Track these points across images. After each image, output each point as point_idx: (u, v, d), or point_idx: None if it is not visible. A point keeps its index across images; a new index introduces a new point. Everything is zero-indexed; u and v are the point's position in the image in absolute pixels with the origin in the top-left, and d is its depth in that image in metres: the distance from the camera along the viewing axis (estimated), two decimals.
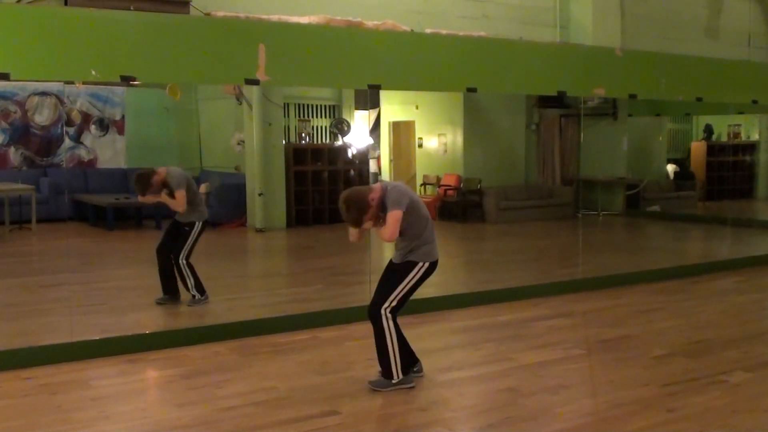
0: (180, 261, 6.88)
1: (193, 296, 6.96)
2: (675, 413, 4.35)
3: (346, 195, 4.62)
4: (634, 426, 4.17)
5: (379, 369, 4.86)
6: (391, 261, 4.86)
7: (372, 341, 4.86)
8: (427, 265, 4.76)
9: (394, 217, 4.57)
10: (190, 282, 6.93)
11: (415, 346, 5.64)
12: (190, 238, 6.89)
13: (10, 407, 4.49)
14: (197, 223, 6.91)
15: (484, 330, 6.35)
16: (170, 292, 7.03)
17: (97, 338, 5.69)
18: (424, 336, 6.17)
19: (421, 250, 4.74)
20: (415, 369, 4.92)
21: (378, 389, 4.70)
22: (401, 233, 4.66)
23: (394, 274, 4.75)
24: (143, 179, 6.70)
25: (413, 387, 4.75)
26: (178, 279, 6.98)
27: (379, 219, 4.62)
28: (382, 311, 4.65)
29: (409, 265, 4.73)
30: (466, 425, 4.32)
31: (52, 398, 4.64)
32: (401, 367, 4.72)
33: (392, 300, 4.67)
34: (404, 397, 4.61)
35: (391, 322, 4.67)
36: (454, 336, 6.26)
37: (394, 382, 4.72)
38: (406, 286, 4.72)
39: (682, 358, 5.44)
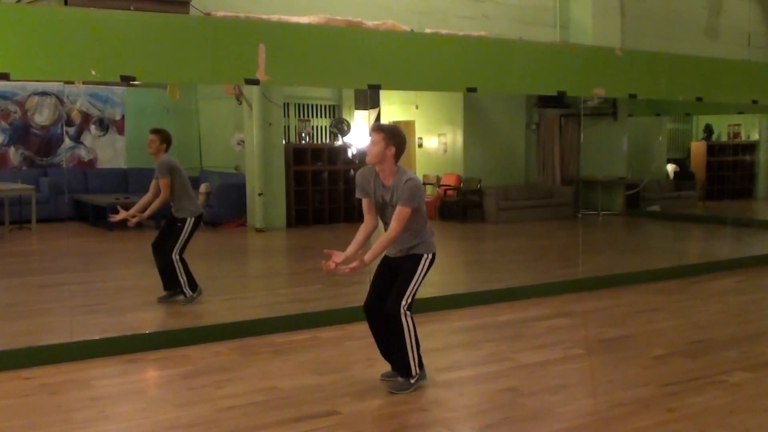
0: (172, 257, 6.85)
1: (185, 295, 6.93)
2: (675, 413, 4.36)
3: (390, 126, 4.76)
4: (634, 426, 4.17)
5: (384, 377, 4.88)
6: (386, 257, 4.79)
7: (372, 341, 4.86)
8: (431, 256, 4.73)
9: (407, 213, 4.54)
10: (183, 279, 6.90)
11: None
12: (182, 235, 6.86)
13: (10, 407, 4.49)
14: (189, 219, 6.87)
15: (484, 330, 6.35)
16: (171, 288, 7.01)
17: (97, 338, 5.70)
18: (424, 336, 6.13)
19: (424, 243, 4.72)
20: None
21: (399, 392, 4.68)
22: (406, 227, 4.63)
23: (398, 271, 4.71)
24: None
25: (426, 382, 4.76)
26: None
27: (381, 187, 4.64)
28: (401, 309, 4.61)
29: (415, 259, 4.69)
30: (466, 425, 4.32)
31: (52, 398, 4.64)
32: (418, 362, 4.71)
33: (408, 296, 4.64)
34: (404, 397, 4.61)
35: (409, 319, 4.65)
36: (454, 336, 6.26)
37: (413, 381, 4.71)
38: (418, 280, 4.68)
39: (682, 358, 5.44)
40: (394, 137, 4.61)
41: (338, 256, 4.51)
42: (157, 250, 7.01)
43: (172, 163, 6.85)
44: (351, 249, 4.60)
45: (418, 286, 4.69)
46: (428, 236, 4.74)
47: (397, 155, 4.63)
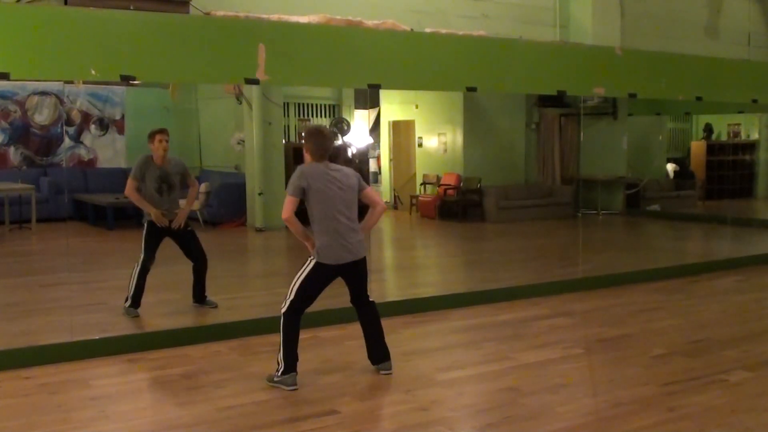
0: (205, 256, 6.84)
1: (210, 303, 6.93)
2: (675, 412, 4.36)
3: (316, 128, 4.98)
4: (634, 425, 4.17)
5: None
6: None
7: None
8: (313, 263, 4.72)
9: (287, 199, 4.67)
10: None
11: (414, 345, 5.67)
12: (196, 233, 6.86)
13: (10, 407, 4.49)
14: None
15: (484, 329, 6.35)
16: (139, 303, 6.67)
17: (97, 338, 5.70)
18: (424, 335, 6.18)
19: (315, 247, 4.73)
20: (379, 366, 4.97)
21: (270, 383, 4.74)
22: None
23: None
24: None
25: (295, 389, 4.67)
26: (196, 280, 6.89)
27: None
28: (281, 311, 4.71)
29: (305, 261, 4.76)
30: (466, 424, 4.32)
31: (52, 398, 4.64)
32: (284, 361, 4.68)
33: (288, 297, 4.71)
34: (404, 397, 4.61)
35: (283, 324, 4.69)
36: (454, 335, 6.26)
37: (275, 378, 4.71)
38: (297, 281, 4.73)
39: (682, 358, 5.44)
40: (305, 140, 4.81)
41: None
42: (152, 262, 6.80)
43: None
44: None
45: (298, 288, 4.70)
46: (319, 240, 4.71)
47: (314, 155, 4.75)
